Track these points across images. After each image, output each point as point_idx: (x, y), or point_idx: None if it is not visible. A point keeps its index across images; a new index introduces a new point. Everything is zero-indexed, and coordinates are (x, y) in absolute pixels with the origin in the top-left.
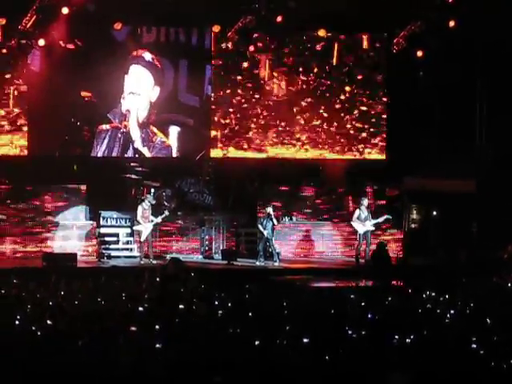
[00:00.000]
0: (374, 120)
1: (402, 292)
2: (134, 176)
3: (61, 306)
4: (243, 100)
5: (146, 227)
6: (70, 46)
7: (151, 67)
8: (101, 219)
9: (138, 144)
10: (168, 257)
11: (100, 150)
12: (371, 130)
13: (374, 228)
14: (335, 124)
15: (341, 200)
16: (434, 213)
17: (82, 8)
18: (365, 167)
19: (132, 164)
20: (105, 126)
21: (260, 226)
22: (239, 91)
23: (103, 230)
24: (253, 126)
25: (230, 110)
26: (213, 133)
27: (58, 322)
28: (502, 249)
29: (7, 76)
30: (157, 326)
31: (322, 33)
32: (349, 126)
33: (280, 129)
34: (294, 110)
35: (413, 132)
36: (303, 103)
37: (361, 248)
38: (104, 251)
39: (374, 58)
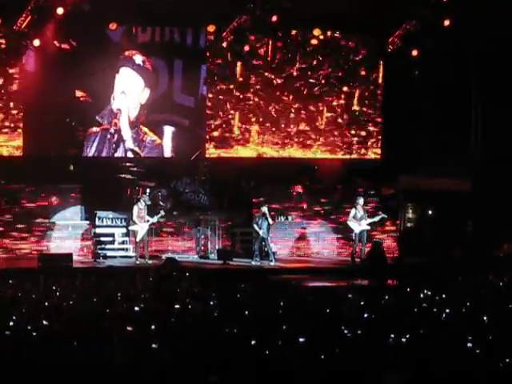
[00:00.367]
0: (369, 119)
1: (398, 291)
2: (129, 176)
3: (56, 307)
4: (238, 99)
5: (142, 227)
6: (65, 46)
7: (141, 70)
8: (96, 219)
9: (130, 144)
10: (164, 257)
11: (90, 152)
12: (366, 129)
13: (369, 227)
14: (330, 123)
15: (336, 199)
16: (430, 212)
17: (77, 8)
18: (360, 166)
19: (127, 164)
20: (95, 129)
21: (255, 226)
22: (234, 90)
23: (99, 230)
24: (248, 125)
25: (225, 109)
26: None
27: (54, 322)
28: (498, 247)
29: (2, 77)
30: (152, 326)
31: (317, 32)
32: (344, 125)
33: (274, 129)
34: (289, 109)
35: (408, 131)
36: (298, 103)
37: (356, 247)
38: (100, 251)
39: (369, 58)
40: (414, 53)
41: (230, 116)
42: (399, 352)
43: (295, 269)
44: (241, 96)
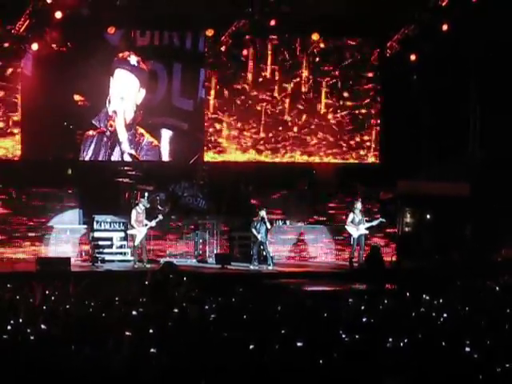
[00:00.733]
0: (367, 123)
1: (396, 295)
2: (127, 180)
3: (54, 310)
4: (237, 103)
5: (140, 231)
6: (63, 50)
7: (136, 71)
8: (95, 223)
9: (126, 146)
10: (162, 261)
11: (87, 156)
12: (365, 133)
13: (367, 232)
14: (328, 127)
15: (334, 203)
16: (428, 216)
17: (76, 12)
18: (358, 171)
19: (125, 168)
20: (91, 132)
21: (254, 230)
22: (232, 95)
23: (97, 234)
24: (246, 128)
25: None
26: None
27: (53, 326)
28: (496, 252)
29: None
30: (150, 330)
31: (315, 37)
32: (342, 129)
33: (272, 133)
34: (287, 113)
35: (406, 135)
36: (296, 107)
37: (355, 251)
38: (98, 255)
39: (368, 62)
40: (413, 57)
41: (228, 120)
42: (397, 356)
43: (293, 273)
44: (238, 101)
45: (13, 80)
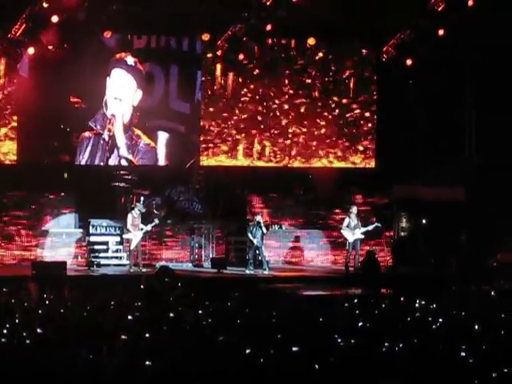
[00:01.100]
0: (363, 128)
1: (392, 300)
2: (123, 184)
3: (50, 314)
4: (233, 107)
5: (136, 235)
6: (59, 53)
7: (133, 71)
8: (90, 227)
9: (123, 151)
10: (157, 265)
11: (83, 158)
12: (360, 138)
13: (363, 236)
14: (324, 132)
15: (330, 208)
16: (424, 221)
17: (72, 15)
18: (354, 175)
19: (121, 172)
20: (87, 134)
21: (249, 235)
22: (228, 98)
23: (93, 239)
24: (241, 133)
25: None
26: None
27: (48, 329)
28: (492, 257)
29: None
30: (146, 335)
31: (311, 41)
32: (338, 134)
33: (268, 138)
34: (283, 118)
35: (402, 140)
36: (292, 112)
37: (350, 256)
38: (94, 259)
39: (363, 67)
40: (409, 62)
41: (224, 124)
42: (393, 361)
43: (289, 277)
44: (234, 106)
45: (9, 83)
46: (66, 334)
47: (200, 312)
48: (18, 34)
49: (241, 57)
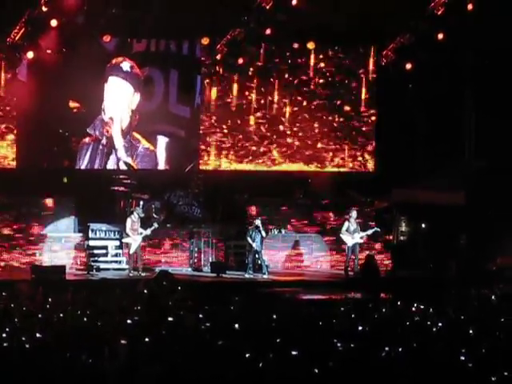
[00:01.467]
0: (363, 132)
1: (391, 304)
2: (122, 188)
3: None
4: (233, 111)
5: (135, 240)
6: (59, 57)
7: (130, 77)
8: (90, 231)
9: (122, 154)
10: (157, 269)
11: (83, 164)
12: (360, 142)
13: (362, 240)
14: (324, 136)
15: (329, 212)
16: (423, 225)
17: (72, 19)
18: (354, 179)
19: (121, 176)
20: (87, 140)
21: (249, 239)
22: (229, 103)
23: (92, 243)
24: (241, 137)
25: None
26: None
27: (48, 334)
28: (491, 261)
29: None
30: (146, 339)
31: (311, 45)
32: (338, 138)
33: (267, 142)
34: (283, 122)
35: (402, 144)
36: (292, 115)
37: (349, 260)
38: (93, 263)
39: (363, 71)
40: (408, 66)
41: (224, 128)
42: (392, 365)
43: (288, 282)
44: (234, 110)
45: (7, 87)
46: (65, 338)
47: (200, 316)
48: (17, 38)
49: (240, 61)
